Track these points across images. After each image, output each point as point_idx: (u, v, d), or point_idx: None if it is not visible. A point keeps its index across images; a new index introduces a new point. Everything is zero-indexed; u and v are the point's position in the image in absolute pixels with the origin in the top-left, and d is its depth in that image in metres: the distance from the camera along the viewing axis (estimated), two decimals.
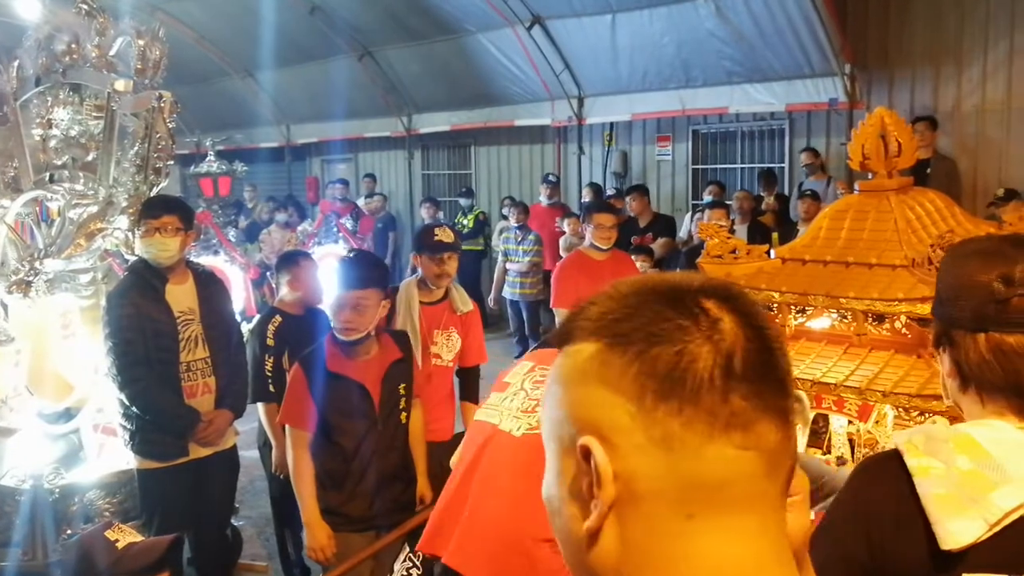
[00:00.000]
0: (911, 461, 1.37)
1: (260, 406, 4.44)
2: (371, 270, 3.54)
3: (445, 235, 4.26)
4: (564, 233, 9.12)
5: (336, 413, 3.47)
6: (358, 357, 3.51)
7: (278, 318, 4.47)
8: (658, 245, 8.10)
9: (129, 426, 3.91)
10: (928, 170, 7.02)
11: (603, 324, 0.76)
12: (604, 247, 5.46)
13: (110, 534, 2.45)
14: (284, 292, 4.60)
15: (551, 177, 10.54)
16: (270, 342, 4.39)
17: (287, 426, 3.58)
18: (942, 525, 1.30)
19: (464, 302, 4.34)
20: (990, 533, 1.28)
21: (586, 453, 0.74)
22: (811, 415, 2.81)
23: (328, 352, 3.50)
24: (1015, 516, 1.27)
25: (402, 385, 3.64)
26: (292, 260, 4.65)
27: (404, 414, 3.67)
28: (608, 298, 0.78)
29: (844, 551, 1.39)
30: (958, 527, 1.28)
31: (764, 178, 8.80)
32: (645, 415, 0.72)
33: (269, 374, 4.36)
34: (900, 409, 2.34)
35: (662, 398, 0.72)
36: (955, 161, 7.68)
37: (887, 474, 1.40)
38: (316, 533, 3.46)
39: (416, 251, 4.33)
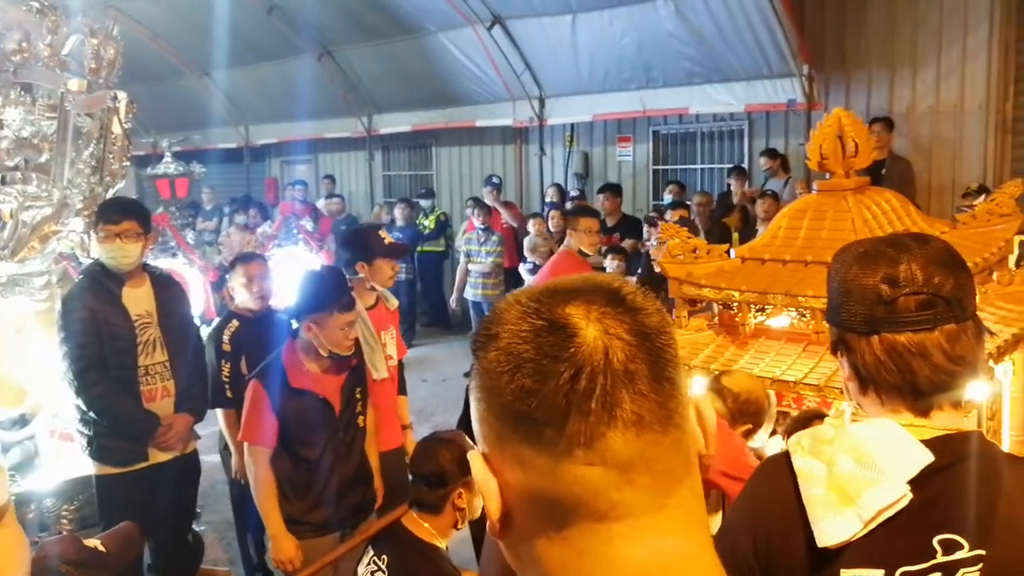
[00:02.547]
0: (797, 462, 1.41)
1: (219, 412, 4.38)
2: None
3: (389, 237, 4.33)
4: (512, 228, 9.20)
5: (299, 426, 3.44)
6: (324, 370, 3.48)
7: (235, 323, 4.42)
8: (624, 246, 8.13)
9: (86, 431, 3.84)
10: (883, 170, 7.14)
11: (479, 342, 0.78)
12: (590, 252, 5.46)
13: (88, 543, 2.39)
14: (239, 296, 4.55)
15: (495, 179, 10.51)
16: (226, 347, 4.34)
17: (246, 443, 3.53)
18: (817, 524, 1.35)
19: (390, 298, 4.38)
20: (866, 530, 1.32)
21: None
22: (774, 412, 2.84)
23: (287, 364, 3.46)
24: (889, 513, 1.32)
25: (358, 389, 3.64)
26: (244, 263, 4.60)
27: (361, 417, 3.67)
28: (494, 311, 0.79)
29: (733, 548, 1.44)
30: (832, 526, 1.33)
31: (735, 172, 8.82)
32: (505, 436, 0.75)
33: (226, 380, 4.31)
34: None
35: (512, 424, 0.74)
36: (909, 161, 7.82)
37: (777, 475, 1.44)
38: (283, 546, 3.42)
39: (364, 257, 4.19)
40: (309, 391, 3.43)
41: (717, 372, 2.69)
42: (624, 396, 0.72)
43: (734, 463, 2.39)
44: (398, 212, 10.57)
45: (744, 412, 2.64)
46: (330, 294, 3.41)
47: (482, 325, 0.79)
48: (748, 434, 2.69)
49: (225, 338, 4.37)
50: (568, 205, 9.08)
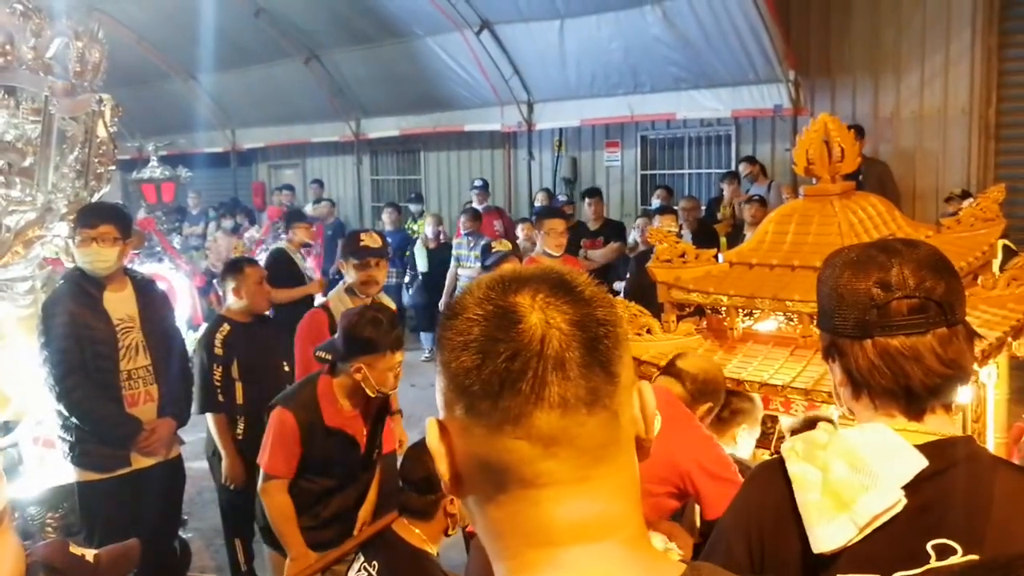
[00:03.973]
0: (791, 468, 1.42)
1: (209, 416, 4.35)
2: None
3: (372, 240, 4.19)
4: (499, 235, 9.16)
5: (323, 462, 3.37)
6: (357, 408, 3.39)
7: (226, 327, 4.41)
8: (608, 250, 8.14)
9: (68, 437, 3.81)
10: (860, 176, 7.17)
11: (443, 321, 0.87)
12: (556, 253, 5.48)
13: (77, 551, 2.36)
14: (230, 300, 4.54)
15: (477, 182, 10.49)
16: (218, 351, 4.32)
17: (264, 471, 3.40)
18: (812, 530, 1.35)
19: (388, 302, 4.32)
20: (861, 536, 1.32)
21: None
22: (760, 415, 2.85)
23: (323, 400, 3.34)
24: (884, 518, 1.32)
25: (381, 423, 3.60)
26: (237, 268, 4.58)
27: (378, 450, 3.63)
28: (460, 294, 0.88)
29: (728, 552, 1.45)
30: (827, 532, 1.34)
31: (728, 178, 8.81)
32: (452, 406, 0.84)
33: (218, 384, 4.29)
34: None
35: (457, 396, 0.83)
36: (887, 164, 7.87)
37: (771, 480, 1.45)
38: (302, 566, 3.34)
39: (342, 258, 4.21)
40: (342, 430, 3.35)
41: (672, 356, 2.71)
42: (552, 380, 0.79)
43: (708, 454, 2.41)
44: (386, 216, 10.52)
45: (703, 392, 2.65)
46: (384, 336, 3.23)
47: (447, 305, 0.87)
48: (709, 412, 2.70)
49: (217, 342, 4.35)
50: None
